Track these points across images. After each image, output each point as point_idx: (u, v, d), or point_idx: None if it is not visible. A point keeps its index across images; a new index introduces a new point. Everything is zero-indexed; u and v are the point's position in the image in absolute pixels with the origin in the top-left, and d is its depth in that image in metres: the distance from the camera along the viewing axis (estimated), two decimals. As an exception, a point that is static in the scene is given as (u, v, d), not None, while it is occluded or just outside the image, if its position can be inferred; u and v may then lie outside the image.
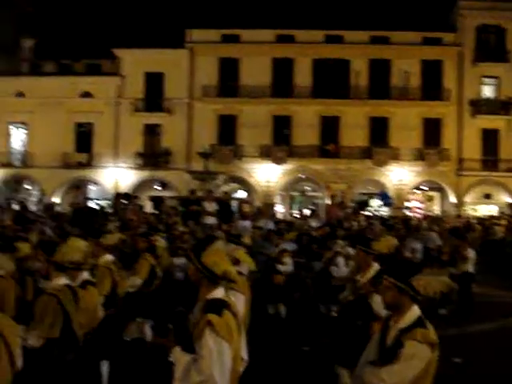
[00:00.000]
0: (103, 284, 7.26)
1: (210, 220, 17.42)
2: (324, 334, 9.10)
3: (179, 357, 3.91)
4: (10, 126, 38.45)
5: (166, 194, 35.63)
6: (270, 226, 17.17)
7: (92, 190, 39.10)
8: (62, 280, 5.18)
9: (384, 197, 34.86)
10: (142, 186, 37.34)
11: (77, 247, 5.56)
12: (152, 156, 37.49)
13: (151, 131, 37.76)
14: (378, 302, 5.32)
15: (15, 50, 39.56)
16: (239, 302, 5.79)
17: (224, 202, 20.85)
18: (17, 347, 3.93)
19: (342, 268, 10.80)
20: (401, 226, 20.04)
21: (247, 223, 17.18)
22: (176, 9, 36.71)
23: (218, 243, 9.30)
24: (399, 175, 36.79)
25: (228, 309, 4.06)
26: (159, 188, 38.21)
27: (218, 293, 4.13)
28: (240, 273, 6.37)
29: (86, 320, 5.40)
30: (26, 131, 38.40)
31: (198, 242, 9.08)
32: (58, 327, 4.89)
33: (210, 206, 18.40)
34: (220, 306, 4.01)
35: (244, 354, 4.39)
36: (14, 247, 7.23)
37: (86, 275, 5.88)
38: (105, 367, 6.71)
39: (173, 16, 35.95)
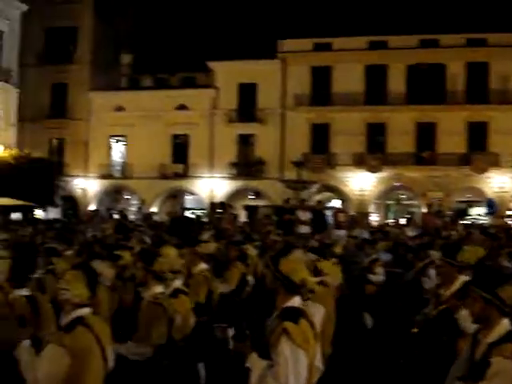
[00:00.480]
0: (198, 292, 7.41)
1: (304, 229, 17.39)
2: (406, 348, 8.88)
3: (255, 363, 3.95)
4: (111, 139, 40.09)
5: (260, 203, 35.99)
6: (365, 235, 16.93)
7: (188, 199, 40.08)
8: (159, 288, 5.36)
9: (490, 205, 33.31)
10: (236, 195, 37.86)
11: (175, 257, 5.74)
12: (246, 166, 37.96)
13: (245, 141, 38.27)
14: (464, 317, 5.10)
15: (115, 65, 41.25)
16: (318, 312, 5.77)
17: (318, 211, 20.78)
18: (109, 348, 4.10)
19: (433, 279, 10.47)
20: (502, 234, 19.23)
21: (342, 232, 17.04)
22: (268, 20, 37.17)
23: (297, 252, 9.30)
24: (500, 182, 35.35)
25: (304, 317, 4.06)
26: (253, 197, 38.63)
27: (295, 301, 4.12)
28: (322, 283, 6.31)
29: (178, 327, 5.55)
30: (125, 144, 39.93)
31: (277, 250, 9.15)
32: (165, 334, 5.06)
33: (304, 215, 18.36)
34: (296, 315, 4.02)
35: (319, 363, 4.36)
36: (115, 255, 7.54)
37: (178, 283, 6.02)
38: (202, 370, 6.84)
39: (264, 27, 36.39)
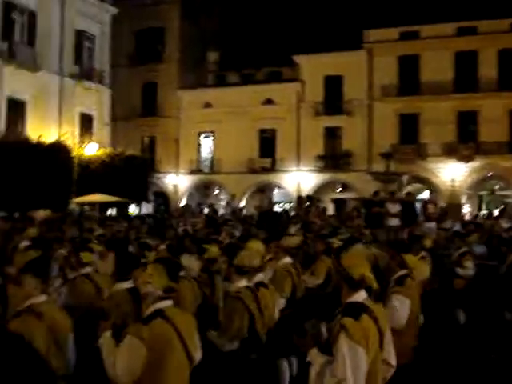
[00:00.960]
0: (283, 286, 7.49)
1: (394, 222, 17.13)
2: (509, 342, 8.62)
3: (316, 357, 3.99)
4: (200, 136, 40.93)
5: (348, 195, 35.73)
6: (457, 227, 16.48)
7: (275, 193, 40.36)
8: (243, 282, 5.49)
9: None
10: (323, 188, 37.77)
11: (256, 251, 5.86)
12: (333, 158, 37.78)
13: (331, 134, 38.06)
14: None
15: (202, 63, 42.07)
16: (403, 306, 5.73)
17: (408, 203, 20.38)
18: (193, 340, 4.22)
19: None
20: None
21: (432, 225, 16.68)
22: (352, 11, 36.76)
23: (358, 246, 9.17)
24: None
25: (367, 313, 4.02)
26: (340, 190, 38.41)
27: (359, 296, 4.11)
28: (409, 276, 6.24)
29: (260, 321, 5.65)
30: (213, 139, 40.67)
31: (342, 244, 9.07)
32: (245, 328, 5.18)
33: (394, 208, 18.02)
34: (358, 310, 4.00)
35: (392, 359, 4.31)
36: (202, 249, 7.76)
37: (260, 277, 6.11)
38: (293, 363, 6.92)
39: (349, 18, 36.04)
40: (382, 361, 4.18)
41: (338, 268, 4.20)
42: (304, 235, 11.65)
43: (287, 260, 8.09)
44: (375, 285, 4.21)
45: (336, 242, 11.05)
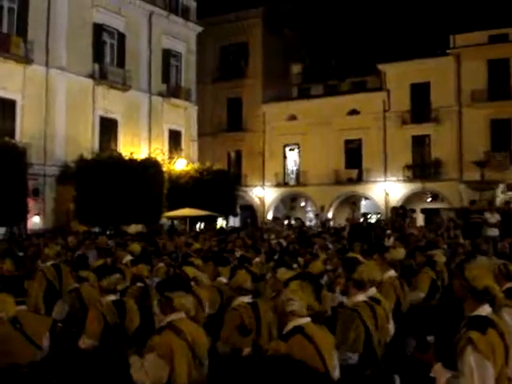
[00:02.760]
0: (388, 299, 7.32)
1: (493, 232, 16.48)
2: None
3: (440, 373, 3.85)
4: (285, 148, 41.03)
5: (437, 205, 34.80)
6: None
7: (363, 204, 39.82)
8: (360, 297, 5.38)
9: None
10: (412, 198, 36.93)
11: (373, 266, 5.73)
12: (421, 167, 36.91)
13: (419, 142, 37.21)
14: None
15: (285, 76, 42.25)
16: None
17: (507, 212, 19.57)
18: (331, 358, 4.14)
19: None
20: None
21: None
22: (437, 16, 36.04)
23: (481, 258, 8.78)
24: None
25: (493, 327, 3.87)
26: (430, 200, 37.44)
27: (484, 310, 3.96)
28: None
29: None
30: (298, 152, 40.66)
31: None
32: (361, 343, 5.08)
33: (493, 217, 17.34)
34: (484, 324, 3.85)
35: None
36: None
37: (372, 291, 5.98)
38: (396, 381, 6.74)
39: (434, 23, 35.35)
40: (507, 378, 3.97)
41: (461, 281, 4.05)
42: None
43: (392, 273, 7.91)
44: (500, 295, 4.05)
45: (438, 254, 10.71)
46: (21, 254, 11.68)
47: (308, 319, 4.15)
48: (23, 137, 26.03)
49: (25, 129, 26.51)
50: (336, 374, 4.23)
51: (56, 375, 6.50)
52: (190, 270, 7.25)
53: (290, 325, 4.11)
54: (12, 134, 25.76)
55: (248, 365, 4.71)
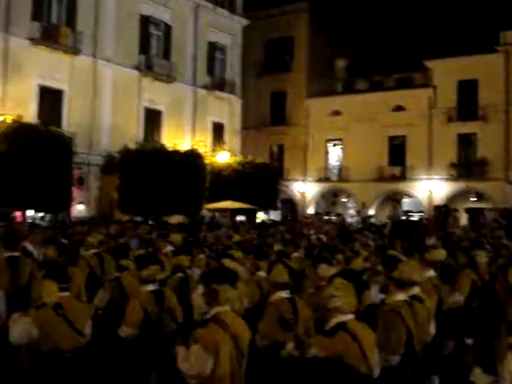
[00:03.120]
0: (430, 299, 7.22)
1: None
2: None
3: (480, 377, 3.79)
4: (328, 143, 40.83)
5: (482, 205, 34.18)
6: None
7: (405, 202, 39.36)
8: (400, 296, 5.32)
9: None
10: (456, 197, 36.30)
11: (414, 265, 5.66)
12: (467, 166, 36.24)
13: (465, 141, 36.56)
14: None
15: (330, 71, 41.97)
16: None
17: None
18: (373, 355, 4.15)
19: None
20: None
21: None
22: (487, 12, 35.17)
23: None
24: None
25: None
26: (474, 199, 36.76)
27: None
28: None
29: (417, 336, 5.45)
30: (341, 147, 40.40)
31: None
32: (402, 345, 5.03)
33: (541, 219, 16.95)
34: None
35: None
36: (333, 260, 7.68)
37: (415, 290, 5.90)
38: (435, 382, 6.67)
39: (484, 19, 34.50)
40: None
41: (503, 284, 3.98)
42: (444, 247, 11.19)
43: (431, 273, 7.79)
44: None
45: (480, 255, 10.51)
46: (65, 241, 11.92)
47: (351, 316, 4.15)
48: (70, 126, 26.51)
49: (71, 118, 27.00)
50: (377, 371, 4.21)
51: (97, 362, 6.64)
52: (228, 263, 7.25)
53: (333, 321, 4.11)
54: (59, 123, 26.26)
55: (291, 364, 4.72)
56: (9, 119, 21.71)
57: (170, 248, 9.70)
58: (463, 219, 31.53)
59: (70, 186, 24.25)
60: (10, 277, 7.74)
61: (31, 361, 5.19)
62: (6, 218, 20.60)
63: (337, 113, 40.18)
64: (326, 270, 7.03)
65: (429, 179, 36.87)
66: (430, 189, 36.79)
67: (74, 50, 26.85)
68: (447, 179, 36.46)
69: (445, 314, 7.69)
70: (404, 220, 18.48)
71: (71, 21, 27.08)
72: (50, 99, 26.55)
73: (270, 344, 5.40)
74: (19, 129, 21.57)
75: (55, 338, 5.01)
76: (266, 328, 5.49)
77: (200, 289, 7.11)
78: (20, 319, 5.08)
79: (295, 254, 10.45)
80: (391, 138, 38.42)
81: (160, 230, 14.04)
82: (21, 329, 5.01)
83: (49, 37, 25.99)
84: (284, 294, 5.69)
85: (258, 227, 19.31)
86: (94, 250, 9.05)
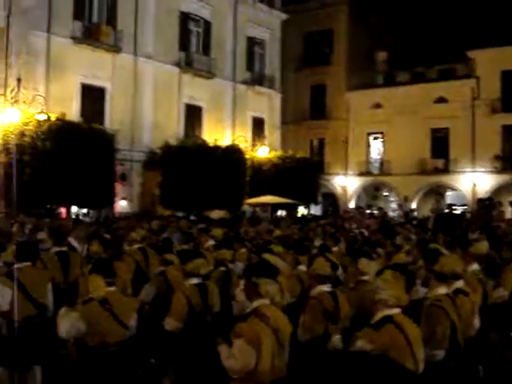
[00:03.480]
0: (475, 293, 7.12)
1: None
2: None
3: None
4: (369, 137, 40.49)
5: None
6: None
7: (448, 195, 38.78)
8: (442, 289, 5.26)
9: None
10: (501, 190, 35.58)
11: (456, 258, 5.59)
12: (511, 158, 35.50)
13: (510, 132, 35.72)
14: None
15: (370, 63, 41.55)
16: None
17: None
18: (420, 350, 4.13)
19: None
20: None
21: None
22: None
23: None
24: None
25: None
26: (520, 192, 35.97)
27: None
28: None
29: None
30: (382, 140, 40.01)
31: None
32: (447, 340, 4.98)
33: None
34: None
35: None
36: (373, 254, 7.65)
37: (459, 284, 5.82)
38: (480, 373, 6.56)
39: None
40: None
41: None
42: (488, 241, 11.00)
43: (475, 267, 7.68)
44: None
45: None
46: (107, 236, 12.12)
47: (398, 310, 4.14)
48: (112, 123, 26.89)
49: (113, 115, 27.39)
50: (422, 366, 4.19)
51: (143, 355, 6.76)
52: (269, 257, 7.27)
53: (380, 314, 4.10)
54: (102, 121, 26.68)
55: (336, 357, 4.72)
56: (52, 117, 22.13)
57: (211, 242, 9.79)
58: (508, 213, 30.85)
59: (113, 183, 24.64)
60: (62, 271, 7.94)
61: (79, 354, 5.31)
62: (51, 215, 21.06)
63: (378, 105, 39.79)
64: (366, 265, 7.01)
65: (472, 172, 36.26)
66: (473, 182, 36.17)
67: (115, 48, 27.22)
68: (491, 172, 35.78)
69: (489, 308, 7.58)
70: (447, 213, 18.16)
71: (112, 19, 27.44)
72: (92, 97, 26.98)
73: (311, 338, 5.40)
74: (63, 127, 21.99)
75: (102, 332, 5.10)
76: (309, 322, 5.50)
77: (242, 283, 7.18)
78: (67, 314, 5.19)
79: (335, 249, 10.41)
80: (434, 131, 37.85)
81: (201, 225, 14.15)
82: (69, 324, 5.12)
83: (90, 36, 26.41)
84: (325, 287, 5.69)
85: (298, 222, 19.27)
86: (138, 245, 9.18)
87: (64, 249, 8.34)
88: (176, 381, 6.44)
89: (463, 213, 20.27)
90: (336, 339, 4.41)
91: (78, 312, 5.14)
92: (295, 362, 4.70)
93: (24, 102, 22.76)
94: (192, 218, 22.72)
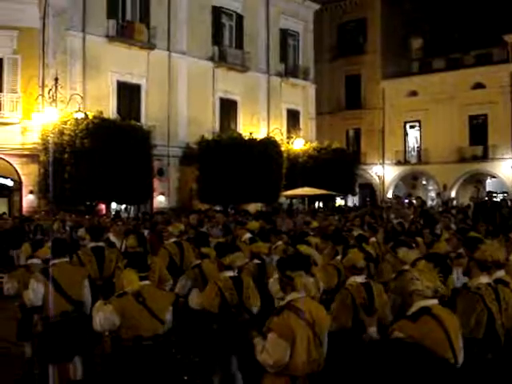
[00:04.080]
0: None
1: None
2: None
3: None
4: (405, 126, 40.02)
5: None
6: None
7: (488, 183, 38.10)
8: (484, 278, 5.16)
9: None
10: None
11: (497, 246, 5.48)
12: (553, 143, 34.68)
13: (551, 117, 34.93)
14: None
15: (405, 51, 41.02)
16: None
17: None
18: (458, 342, 4.09)
19: None
20: None
21: None
22: None
23: None
24: None
25: None
26: None
27: None
28: None
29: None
30: (419, 129, 39.51)
31: None
32: (482, 327, 4.89)
33: None
34: None
35: None
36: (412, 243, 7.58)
37: (500, 274, 5.68)
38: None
39: None
40: None
41: None
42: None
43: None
44: None
45: None
46: (146, 231, 12.26)
47: (435, 301, 4.09)
48: (148, 119, 27.12)
49: (149, 112, 27.62)
50: (461, 358, 4.12)
51: (179, 348, 6.82)
52: (304, 249, 7.26)
53: (417, 305, 4.06)
54: (138, 117, 26.94)
55: (373, 347, 4.68)
56: (90, 116, 22.45)
57: (248, 235, 9.81)
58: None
59: (151, 178, 24.88)
60: (97, 266, 8.07)
61: (113, 348, 5.38)
62: (91, 211, 21.41)
63: (414, 93, 39.26)
64: (406, 254, 6.95)
65: (513, 158, 35.55)
66: (515, 169, 35.46)
67: (150, 45, 27.41)
68: (533, 158, 35.02)
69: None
70: (487, 201, 17.81)
71: (145, 17, 27.65)
72: (127, 94, 27.27)
73: (340, 328, 5.36)
74: (100, 125, 22.27)
75: (136, 326, 5.16)
76: (336, 311, 5.47)
77: (276, 275, 7.19)
78: (102, 307, 5.27)
79: (373, 239, 10.34)
80: (471, 118, 37.18)
81: (238, 218, 14.19)
82: (103, 317, 5.20)
83: (124, 34, 26.65)
84: (359, 278, 5.64)
85: (336, 213, 19.17)
86: (173, 239, 9.26)
87: (101, 244, 8.46)
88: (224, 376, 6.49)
89: (504, 200, 19.82)
90: (372, 331, 4.35)
91: (112, 305, 5.21)
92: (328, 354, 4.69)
93: (62, 101, 23.20)
94: (229, 211, 22.83)
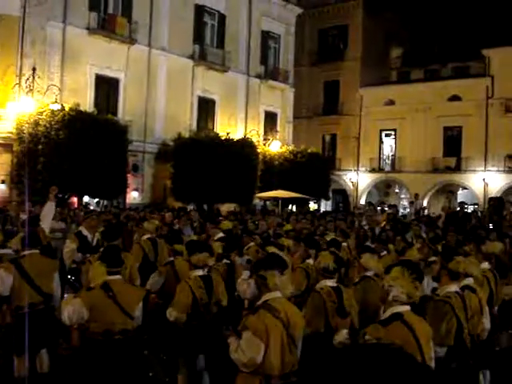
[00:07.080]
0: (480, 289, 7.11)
1: None
2: None
3: None
4: (381, 134, 40.34)
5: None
6: None
7: (460, 194, 38.62)
8: (453, 287, 5.25)
9: None
10: (512, 190, 35.42)
11: (472, 261, 5.58)
12: (525, 158, 35.25)
13: (524, 132, 35.49)
14: None
15: (384, 60, 41.40)
16: None
17: None
18: (429, 349, 4.11)
19: None
20: None
21: None
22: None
23: None
24: None
25: None
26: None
27: None
28: None
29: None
30: (394, 137, 39.87)
31: None
32: (452, 335, 4.97)
33: None
34: None
35: None
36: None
37: (469, 281, 5.79)
38: (486, 376, 6.57)
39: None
40: None
41: None
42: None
43: (486, 265, 7.68)
44: None
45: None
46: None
47: (407, 307, 4.13)
48: (125, 114, 26.95)
49: (127, 107, 27.45)
50: (432, 364, 4.17)
51: (148, 345, 6.80)
52: (272, 251, 7.29)
53: (389, 311, 4.09)
54: (115, 112, 26.73)
55: (343, 351, 4.72)
56: (66, 108, 22.23)
57: (220, 235, 9.82)
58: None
59: (126, 173, 24.71)
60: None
61: (82, 341, 5.35)
62: (62, 204, 21.17)
63: (391, 102, 39.62)
64: (368, 260, 7.01)
65: (485, 171, 36.05)
66: (485, 181, 35.97)
67: (130, 40, 27.22)
68: (504, 171, 35.56)
69: (499, 306, 7.58)
70: (458, 212, 18.06)
71: (127, 11, 27.46)
72: (106, 88, 27.07)
73: (313, 332, 5.39)
74: (76, 117, 22.06)
75: (105, 320, 5.15)
76: (309, 315, 5.50)
77: (244, 274, 7.21)
78: (71, 300, 5.25)
79: (344, 244, 10.43)
80: (446, 129, 37.64)
81: (211, 218, 14.18)
82: (71, 310, 5.18)
83: (105, 27, 26.42)
84: (330, 282, 5.68)
85: (309, 216, 19.25)
86: (147, 236, 9.23)
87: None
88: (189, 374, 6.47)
89: (474, 211, 20.12)
90: (343, 333, 4.38)
91: (81, 299, 5.18)
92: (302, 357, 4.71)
93: (38, 91, 22.92)
94: (203, 210, 22.80)
